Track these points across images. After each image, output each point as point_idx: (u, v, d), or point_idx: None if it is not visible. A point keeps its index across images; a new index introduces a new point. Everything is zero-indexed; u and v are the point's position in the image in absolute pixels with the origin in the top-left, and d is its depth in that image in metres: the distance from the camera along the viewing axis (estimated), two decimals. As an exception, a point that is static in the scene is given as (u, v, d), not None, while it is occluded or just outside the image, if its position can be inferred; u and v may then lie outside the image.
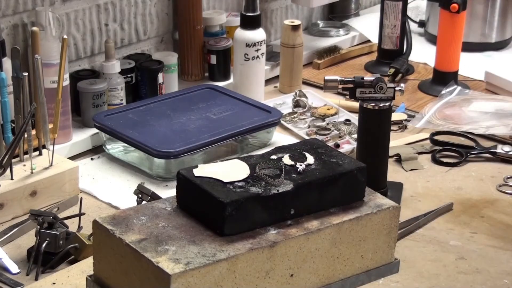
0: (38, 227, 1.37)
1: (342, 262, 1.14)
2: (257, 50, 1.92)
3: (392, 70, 2.09)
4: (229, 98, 1.84)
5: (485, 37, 2.30)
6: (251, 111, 1.78)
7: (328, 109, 1.91)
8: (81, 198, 1.50)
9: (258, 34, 1.92)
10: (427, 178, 1.69)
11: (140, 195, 1.43)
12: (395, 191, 1.60)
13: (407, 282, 1.36)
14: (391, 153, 1.66)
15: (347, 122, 1.84)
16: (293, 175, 1.13)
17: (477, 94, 2.03)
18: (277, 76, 2.07)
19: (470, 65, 2.17)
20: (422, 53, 2.24)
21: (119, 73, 1.81)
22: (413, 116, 1.92)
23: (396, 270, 1.21)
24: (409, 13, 2.19)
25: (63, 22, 1.76)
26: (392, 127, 1.68)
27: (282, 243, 1.08)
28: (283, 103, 1.96)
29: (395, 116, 1.83)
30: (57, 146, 1.58)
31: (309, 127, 1.86)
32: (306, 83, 2.09)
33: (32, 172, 1.54)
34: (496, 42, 2.31)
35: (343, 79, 1.52)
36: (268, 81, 2.06)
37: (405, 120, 1.90)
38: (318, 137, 1.78)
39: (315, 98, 1.97)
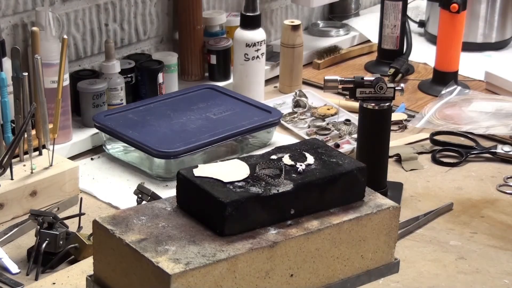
0: (38, 227, 1.37)
1: (342, 262, 1.14)
2: (257, 50, 1.92)
3: (392, 70, 2.09)
4: (229, 98, 1.84)
5: (485, 37, 2.30)
6: (251, 111, 1.78)
7: (328, 109, 1.91)
8: (81, 198, 1.50)
9: (258, 34, 1.92)
10: (427, 178, 1.69)
11: (140, 195, 1.43)
12: (395, 191, 1.60)
13: (407, 282, 1.36)
14: (391, 153, 1.66)
15: (347, 122, 1.84)
16: (293, 175, 1.13)
17: (477, 94, 2.03)
18: (277, 76, 2.07)
19: (470, 65, 2.17)
20: (422, 53, 2.24)
21: (119, 73, 1.81)
22: (413, 116, 1.92)
23: (396, 270, 1.21)
24: (409, 13, 2.19)
25: (63, 22, 1.76)
26: (392, 127, 1.68)
27: (282, 243, 1.08)
28: (283, 103, 1.96)
29: (395, 116, 1.83)
30: (57, 146, 1.58)
31: (309, 127, 1.86)
32: (306, 83, 2.09)
33: (32, 172, 1.54)
34: (496, 42, 2.31)
35: (343, 79, 1.52)
36: (268, 81, 2.06)
37: (405, 120, 1.90)
38: (318, 137, 1.78)
39: (315, 98, 1.97)
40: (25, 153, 1.57)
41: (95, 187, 1.61)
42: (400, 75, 2.09)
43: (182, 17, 1.97)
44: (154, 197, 1.41)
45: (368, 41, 2.31)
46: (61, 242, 1.36)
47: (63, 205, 1.54)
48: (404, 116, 1.90)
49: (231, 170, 1.13)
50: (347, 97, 1.63)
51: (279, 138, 1.81)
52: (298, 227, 1.10)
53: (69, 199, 1.55)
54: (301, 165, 1.14)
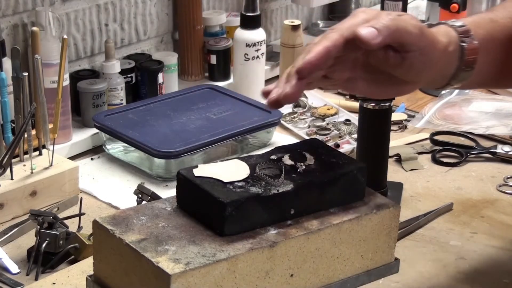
0: (38, 227, 1.37)
1: (342, 262, 1.14)
2: (257, 50, 1.92)
3: (392, 70, 2.09)
4: (229, 98, 1.84)
5: (485, 37, 2.29)
6: (251, 111, 1.78)
7: (328, 109, 1.91)
8: (81, 198, 1.50)
9: (258, 34, 1.92)
10: (427, 178, 1.69)
11: (140, 195, 1.43)
12: (395, 191, 1.60)
13: (407, 282, 1.36)
14: (391, 153, 1.66)
15: (347, 122, 1.84)
16: (293, 175, 1.13)
17: (477, 94, 2.03)
18: (277, 76, 2.07)
19: (470, 65, 2.16)
20: (422, 53, 2.24)
21: (119, 73, 1.81)
22: (413, 116, 1.92)
23: (396, 270, 1.21)
24: (409, 13, 2.19)
25: (63, 22, 1.76)
26: (392, 127, 1.68)
27: (282, 243, 1.07)
28: (283, 103, 1.95)
29: (395, 116, 1.83)
30: (57, 146, 1.58)
31: (309, 127, 1.86)
32: (306, 83, 2.09)
33: (32, 172, 1.54)
34: (496, 42, 2.30)
35: (343, 79, 1.51)
36: (268, 81, 2.06)
37: (405, 120, 1.90)
38: (318, 137, 1.78)
39: (315, 98, 1.97)
40: (25, 153, 1.57)
41: (95, 187, 1.61)
42: (400, 75, 2.08)
43: (182, 17, 1.97)
44: (154, 197, 1.41)
45: (368, 41, 2.31)
46: (61, 242, 1.36)
47: (63, 205, 1.54)
48: (404, 116, 1.90)
49: (231, 170, 1.13)
50: (347, 97, 1.64)
51: (279, 138, 1.81)
52: (298, 227, 1.10)
53: (69, 199, 1.55)
54: (301, 165, 1.14)
